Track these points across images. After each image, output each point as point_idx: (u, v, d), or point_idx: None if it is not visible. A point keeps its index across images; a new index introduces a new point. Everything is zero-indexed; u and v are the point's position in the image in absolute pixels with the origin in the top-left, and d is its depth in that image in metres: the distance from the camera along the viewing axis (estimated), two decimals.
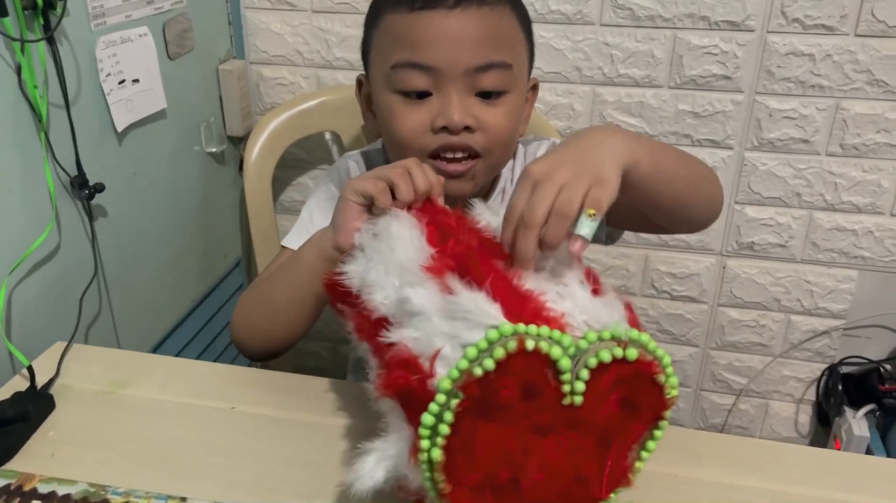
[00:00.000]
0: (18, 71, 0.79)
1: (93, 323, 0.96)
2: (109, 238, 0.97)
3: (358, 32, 1.24)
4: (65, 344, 0.82)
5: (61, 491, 0.63)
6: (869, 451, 1.23)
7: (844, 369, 1.31)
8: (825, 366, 1.33)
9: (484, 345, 0.46)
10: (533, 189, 0.55)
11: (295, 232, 0.86)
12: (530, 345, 0.46)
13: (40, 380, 0.76)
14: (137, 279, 1.05)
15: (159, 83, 1.04)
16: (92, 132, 0.92)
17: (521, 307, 0.49)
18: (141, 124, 1.02)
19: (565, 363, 0.47)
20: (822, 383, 1.34)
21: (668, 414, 0.52)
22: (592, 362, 0.47)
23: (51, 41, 0.82)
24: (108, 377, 0.78)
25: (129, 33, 0.97)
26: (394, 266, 0.57)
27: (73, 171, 0.89)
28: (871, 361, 1.30)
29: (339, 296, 0.64)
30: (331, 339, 1.50)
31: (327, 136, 1.32)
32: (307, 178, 1.37)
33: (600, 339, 0.48)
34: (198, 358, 1.24)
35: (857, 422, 1.24)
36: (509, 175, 0.87)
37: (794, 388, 1.37)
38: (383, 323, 0.55)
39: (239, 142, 1.32)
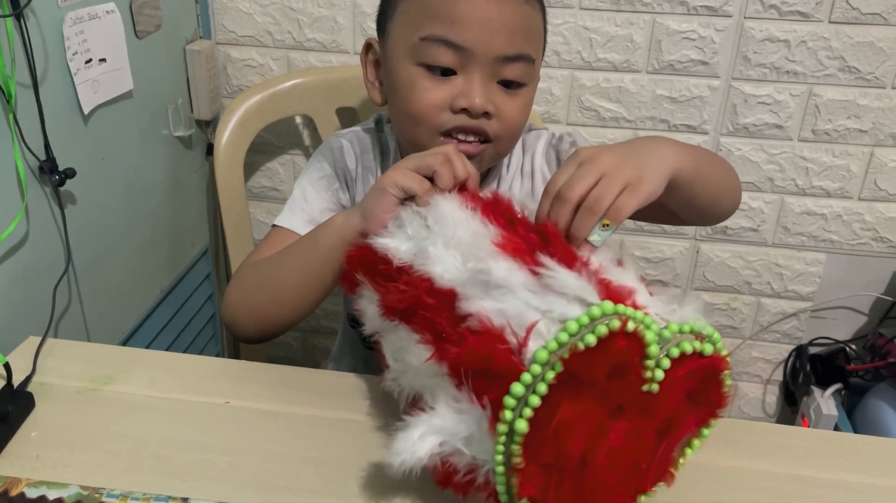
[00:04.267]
0: None
1: (63, 315, 0.91)
2: (79, 226, 0.92)
3: (331, 13, 1.22)
4: (38, 339, 0.77)
5: (52, 495, 0.59)
6: (836, 429, 1.27)
7: (812, 350, 1.35)
8: (793, 347, 1.37)
9: (585, 320, 0.45)
10: (577, 167, 0.57)
11: (288, 211, 0.84)
12: (631, 326, 0.46)
13: (16, 379, 0.71)
14: (107, 269, 1.00)
15: (126, 63, 0.99)
16: (60, 114, 0.87)
17: (610, 289, 0.48)
18: (108, 105, 0.96)
19: (654, 349, 0.47)
20: (789, 364, 1.38)
21: (721, 412, 0.52)
22: (675, 352, 0.48)
23: (18, 17, 0.77)
24: (90, 373, 0.74)
25: (97, 9, 0.91)
26: (454, 241, 0.55)
27: (42, 156, 0.83)
28: (837, 342, 1.34)
29: (368, 270, 0.61)
30: (302, 330, 1.47)
31: (298, 119, 1.28)
32: (277, 163, 1.33)
33: (681, 331, 0.48)
34: (169, 347, 1.19)
35: (825, 401, 1.28)
36: (505, 163, 0.86)
37: (762, 370, 1.40)
38: (445, 296, 0.53)
39: (206, 125, 1.27)
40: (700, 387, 0.50)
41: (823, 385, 1.30)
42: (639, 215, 0.83)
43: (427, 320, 0.53)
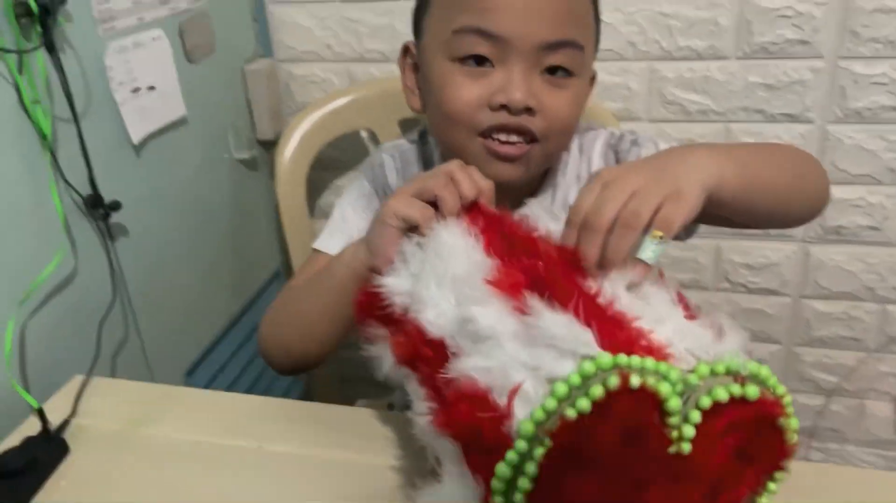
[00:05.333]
0: (17, 85, 0.72)
1: (119, 351, 0.89)
2: (132, 258, 0.91)
3: (389, 21, 1.17)
4: (83, 377, 0.76)
5: None
6: None
7: None
8: None
9: (577, 380, 0.37)
10: (603, 188, 0.49)
11: (327, 233, 0.80)
12: (635, 381, 0.37)
13: (56, 420, 0.70)
14: (166, 300, 0.99)
15: (177, 89, 0.97)
16: (106, 146, 0.85)
17: (615, 333, 0.40)
18: (160, 134, 0.95)
19: (674, 403, 0.38)
20: None
21: (787, 463, 0.42)
22: (705, 402, 0.38)
23: (51, 50, 0.76)
24: (127, 414, 0.71)
25: (142, 37, 0.90)
26: (448, 279, 0.49)
27: (87, 190, 0.82)
28: None
29: (374, 314, 0.56)
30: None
31: (363, 133, 1.24)
32: (344, 179, 1.29)
33: (713, 374, 0.39)
34: (239, 376, 1.17)
35: None
36: (562, 169, 0.77)
37: (891, 386, 1.23)
38: (438, 346, 0.47)
39: (270, 145, 1.24)
40: (751, 438, 0.40)
41: None
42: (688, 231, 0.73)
43: (426, 374, 0.46)
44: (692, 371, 0.39)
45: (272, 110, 1.19)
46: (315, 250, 0.79)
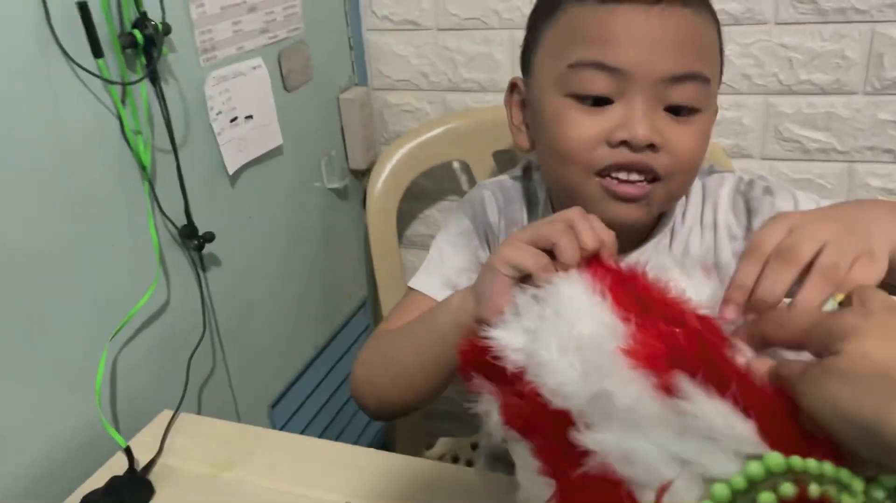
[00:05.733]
0: (119, 116, 0.72)
1: (205, 383, 0.88)
2: (224, 289, 0.90)
3: (487, 50, 1.13)
4: (171, 413, 0.74)
5: None
6: None
7: None
8: None
9: (742, 483, 0.32)
10: (791, 231, 0.45)
11: (424, 271, 0.76)
12: (814, 490, 0.32)
13: (142, 458, 0.69)
14: (253, 330, 0.97)
15: (275, 118, 0.96)
16: (202, 176, 0.85)
17: (784, 427, 0.34)
18: (255, 164, 0.94)
19: None
20: None
21: None
22: None
23: (154, 81, 0.75)
24: (214, 456, 0.69)
25: (242, 66, 0.89)
26: (572, 342, 0.44)
27: (182, 220, 0.81)
28: None
29: (479, 367, 0.52)
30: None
31: (455, 164, 1.20)
32: (434, 210, 1.26)
33: None
34: (322, 407, 1.15)
35: None
36: (680, 212, 0.71)
37: None
38: (561, 419, 0.42)
39: (362, 175, 1.23)
40: None
41: None
42: None
43: (545, 447, 0.42)
44: (875, 481, 0.33)
45: (365, 139, 1.17)
46: (411, 289, 0.75)
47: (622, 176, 0.62)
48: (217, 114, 0.86)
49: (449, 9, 1.11)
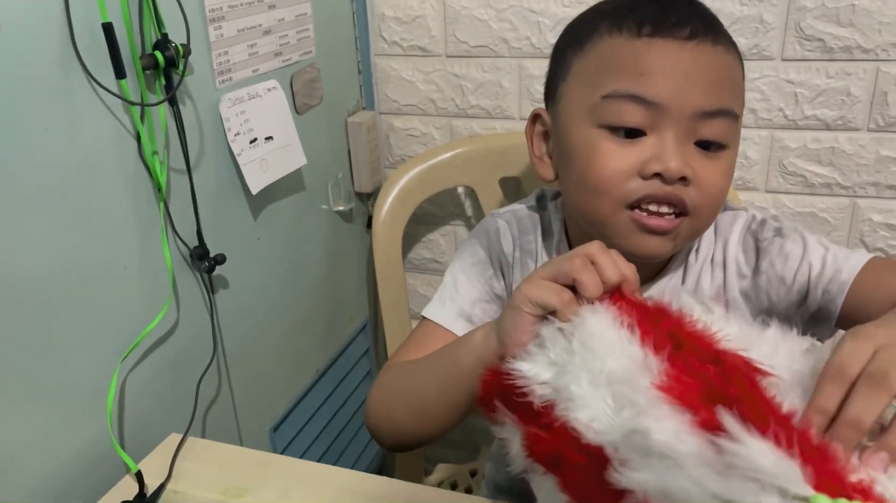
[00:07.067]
0: (137, 136, 0.72)
1: (210, 407, 0.87)
2: (231, 311, 0.89)
3: (495, 78, 1.14)
4: (180, 436, 0.73)
5: None
6: None
7: None
8: None
9: None
10: (877, 352, 0.40)
11: (437, 301, 0.76)
12: None
13: (151, 482, 0.68)
14: (257, 353, 0.96)
15: (296, 139, 0.96)
16: (215, 198, 0.84)
17: (823, 465, 0.34)
18: (274, 185, 0.93)
19: None
20: None
21: None
22: None
23: (172, 102, 0.75)
24: (224, 482, 0.68)
25: (257, 88, 0.89)
26: (603, 377, 0.44)
27: (194, 242, 0.81)
28: None
29: (502, 399, 0.52)
30: None
31: (460, 189, 1.21)
32: (438, 234, 1.26)
33: None
34: (324, 429, 1.14)
35: None
36: (694, 247, 0.72)
37: None
38: (594, 454, 0.42)
39: (367, 198, 1.23)
40: None
41: None
42: None
43: (575, 481, 0.41)
44: None
45: (372, 163, 1.18)
46: (425, 318, 0.75)
47: (652, 208, 0.63)
48: (235, 135, 0.85)
49: (458, 36, 1.12)
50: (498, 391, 0.53)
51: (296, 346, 1.06)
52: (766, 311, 0.71)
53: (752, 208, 0.76)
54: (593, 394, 0.44)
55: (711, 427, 0.38)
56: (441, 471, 1.22)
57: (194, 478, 0.69)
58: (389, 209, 1.07)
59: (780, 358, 0.46)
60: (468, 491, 1.17)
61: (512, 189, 1.10)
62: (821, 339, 0.72)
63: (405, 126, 1.20)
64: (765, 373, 0.42)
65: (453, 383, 0.61)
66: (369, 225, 1.22)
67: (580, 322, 0.49)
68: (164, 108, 0.75)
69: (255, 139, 0.88)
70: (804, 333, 0.72)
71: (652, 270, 0.72)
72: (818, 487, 0.34)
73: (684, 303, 0.51)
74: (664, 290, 0.71)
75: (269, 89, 0.91)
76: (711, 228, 0.72)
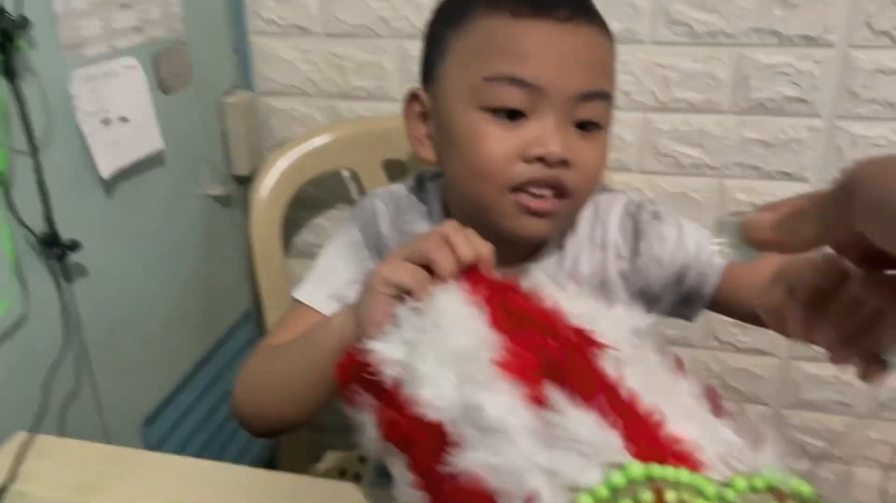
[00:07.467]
0: None
1: (69, 402, 0.82)
2: (91, 302, 0.84)
3: (376, 58, 1.13)
4: (26, 435, 0.69)
5: None
6: None
7: None
8: None
9: (604, 493, 0.33)
10: None
11: (310, 283, 0.74)
12: (672, 498, 0.33)
13: None
14: (125, 345, 0.92)
15: (153, 121, 0.91)
16: (67, 182, 0.79)
17: (644, 435, 0.35)
18: (129, 169, 0.89)
19: None
20: None
21: None
22: None
23: (10, 77, 0.70)
24: (75, 480, 0.64)
25: (113, 65, 0.84)
26: (449, 354, 0.44)
27: (42, 228, 0.76)
28: None
29: (359, 382, 0.51)
30: None
31: (345, 173, 1.19)
32: (323, 218, 1.24)
33: (752, 490, 0.34)
34: (202, 423, 1.10)
35: None
36: (571, 231, 0.73)
37: (881, 453, 1.19)
38: (435, 431, 0.41)
39: (246, 181, 1.19)
40: None
41: None
42: None
43: (419, 460, 0.41)
44: (728, 485, 0.34)
45: (250, 145, 1.14)
46: (297, 301, 0.73)
47: (535, 191, 0.63)
48: (86, 114, 0.80)
49: (337, 15, 1.09)
50: (353, 374, 0.52)
51: (169, 336, 1.02)
52: (642, 291, 0.73)
53: (629, 191, 0.77)
54: (438, 370, 0.44)
55: (541, 400, 0.38)
56: (329, 459, 1.21)
57: (43, 478, 0.65)
58: (269, 192, 1.03)
59: (622, 332, 0.47)
60: (357, 477, 1.16)
61: (396, 172, 1.08)
62: (689, 319, 0.75)
63: (285, 107, 1.17)
64: (600, 345, 0.43)
65: (317, 366, 0.60)
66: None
67: (432, 301, 0.49)
68: (3, 85, 0.70)
69: (109, 119, 0.83)
70: (675, 313, 0.75)
71: (531, 251, 0.72)
72: (637, 455, 0.34)
73: (537, 281, 0.51)
74: (540, 270, 0.71)
75: (126, 67, 0.86)
76: (591, 209, 0.73)
